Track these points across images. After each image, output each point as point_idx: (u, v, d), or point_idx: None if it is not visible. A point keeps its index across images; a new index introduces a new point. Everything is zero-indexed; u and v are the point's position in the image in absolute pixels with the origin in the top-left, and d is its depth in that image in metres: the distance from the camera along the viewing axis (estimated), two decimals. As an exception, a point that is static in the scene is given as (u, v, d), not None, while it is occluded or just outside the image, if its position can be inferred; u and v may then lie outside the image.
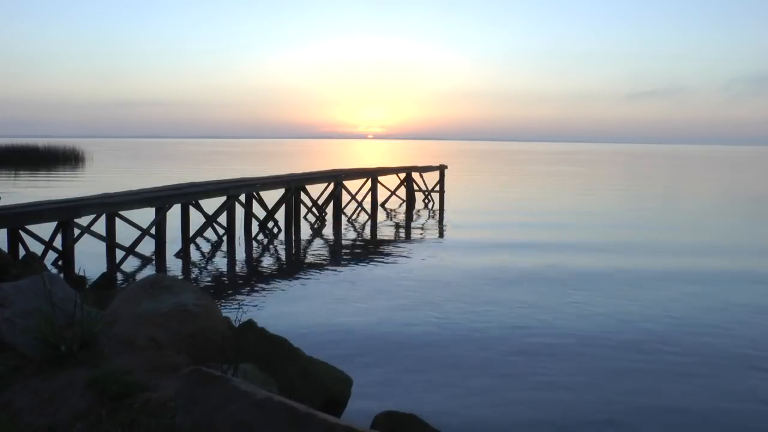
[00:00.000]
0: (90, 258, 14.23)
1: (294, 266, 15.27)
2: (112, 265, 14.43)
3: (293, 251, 17.65)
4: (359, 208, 25.52)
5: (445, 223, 23.71)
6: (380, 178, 26.38)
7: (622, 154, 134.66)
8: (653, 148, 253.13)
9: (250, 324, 6.69)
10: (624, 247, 17.90)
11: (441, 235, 20.67)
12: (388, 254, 16.63)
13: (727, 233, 21.42)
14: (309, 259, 16.25)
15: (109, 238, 14.81)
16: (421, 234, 20.32)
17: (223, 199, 17.98)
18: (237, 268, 15.18)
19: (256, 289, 12.90)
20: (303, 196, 22.39)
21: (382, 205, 27.46)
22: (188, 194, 16.90)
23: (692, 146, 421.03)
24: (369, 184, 25.93)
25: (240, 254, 16.73)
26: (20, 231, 13.58)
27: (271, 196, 21.39)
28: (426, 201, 29.10)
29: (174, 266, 14.92)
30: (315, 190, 24.26)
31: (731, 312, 11.28)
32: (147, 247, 15.70)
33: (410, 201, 27.83)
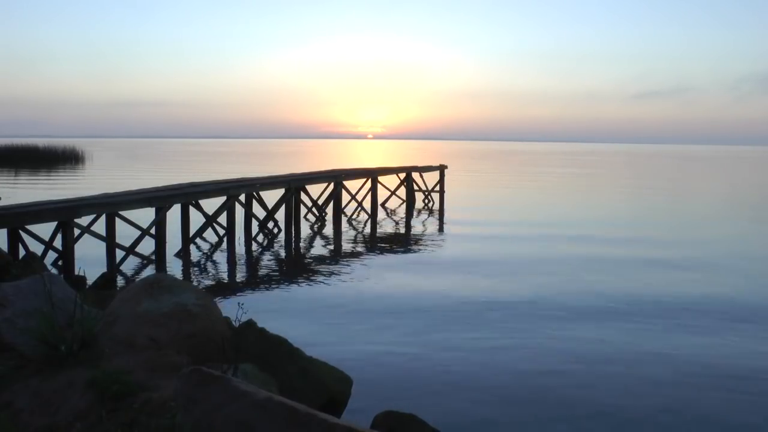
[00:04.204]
0: (90, 258, 14.22)
1: (294, 266, 15.27)
2: (112, 265, 14.42)
3: (293, 251, 17.64)
4: (359, 208, 25.52)
5: (445, 223, 23.71)
6: (380, 178, 26.38)
7: (628, 155, 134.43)
8: (660, 149, 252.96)
9: (250, 324, 6.69)
10: (624, 243, 17.92)
11: (441, 235, 20.67)
12: (387, 254, 16.63)
13: (739, 231, 21.43)
14: (309, 259, 16.25)
15: (109, 238, 14.80)
16: (421, 234, 20.32)
17: (223, 199, 17.98)
18: (237, 268, 15.18)
19: (256, 289, 12.90)
20: (303, 196, 22.40)
21: (382, 205, 27.47)
22: (188, 194, 16.89)
23: (699, 146, 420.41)
24: (369, 184, 25.93)
25: (240, 254, 16.73)
26: (20, 231, 13.58)
27: (271, 196, 21.39)
28: (426, 201, 29.10)
29: (174, 266, 14.92)
30: (315, 190, 24.25)
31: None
32: (147, 247, 15.70)
33: (410, 201, 27.83)
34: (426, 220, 24.05)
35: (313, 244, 18.64)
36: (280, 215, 20.62)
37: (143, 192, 16.60)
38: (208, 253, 16.89)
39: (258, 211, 20.66)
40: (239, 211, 18.94)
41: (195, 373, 3.88)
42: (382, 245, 18.08)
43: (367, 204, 25.59)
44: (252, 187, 19.47)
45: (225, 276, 14.35)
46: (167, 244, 15.50)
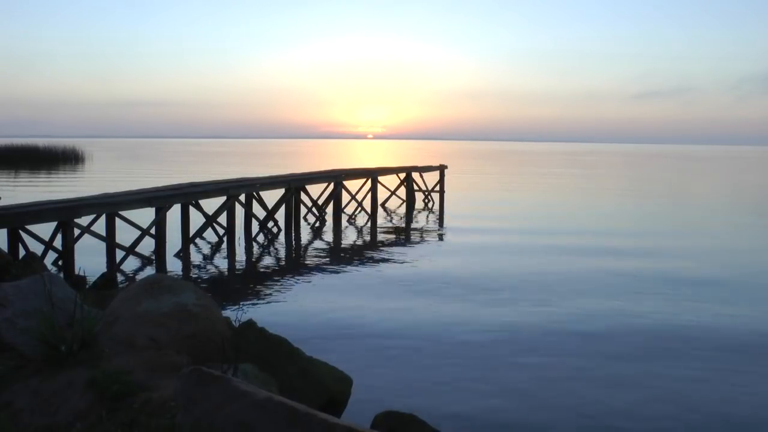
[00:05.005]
0: (90, 258, 14.22)
1: (294, 266, 15.26)
2: (112, 265, 14.42)
3: (293, 251, 17.64)
4: (359, 208, 25.51)
5: (444, 223, 23.72)
6: (380, 178, 26.37)
7: (629, 155, 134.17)
8: (660, 149, 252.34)
9: (250, 324, 6.69)
10: (625, 250, 17.90)
11: (440, 235, 20.67)
12: (387, 254, 16.62)
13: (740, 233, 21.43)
14: (309, 259, 16.24)
15: (109, 238, 14.81)
16: (420, 234, 20.32)
17: (223, 199, 17.98)
18: (237, 268, 15.18)
19: (256, 289, 12.90)
20: (303, 196, 22.40)
21: (382, 205, 27.46)
22: (188, 194, 16.89)
23: (700, 146, 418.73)
24: (369, 184, 25.92)
25: (240, 254, 16.73)
26: (20, 231, 13.58)
27: (271, 196, 21.39)
28: (426, 201, 29.10)
29: (174, 266, 14.92)
30: (315, 190, 24.25)
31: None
32: (147, 247, 15.69)
33: (410, 201, 27.83)
34: (426, 220, 24.06)
35: (313, 244, 18.64)
36: (280, 215, 20.62)
37: (143, 192, 16.59)
38: (208, 253, 16.89)
39: (258, 211, 20.66)
40: (239, 211, 18.94)
41: (195, 373, 3.88)
42: (382, 246, 18.08)
43: (367, 204, 25.58)
44: (252, 187, 19.47)
45: (225, 276, 14.35)
46: (167, 244, 15.50)
